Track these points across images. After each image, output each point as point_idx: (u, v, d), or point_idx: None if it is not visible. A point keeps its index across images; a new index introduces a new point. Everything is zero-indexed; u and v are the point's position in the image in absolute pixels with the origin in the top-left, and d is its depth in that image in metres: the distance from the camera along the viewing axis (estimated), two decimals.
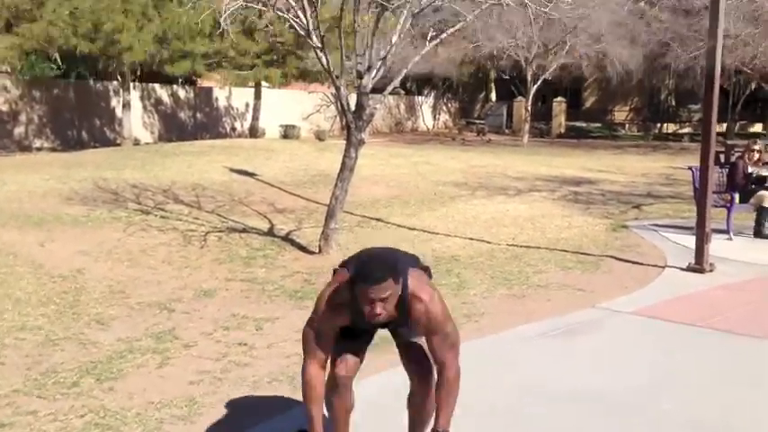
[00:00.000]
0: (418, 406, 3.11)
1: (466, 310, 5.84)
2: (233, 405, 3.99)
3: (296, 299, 6.10)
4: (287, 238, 8.45)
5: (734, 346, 5.05)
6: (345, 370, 3.02)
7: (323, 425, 2.96)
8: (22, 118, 22.51)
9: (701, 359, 4.77)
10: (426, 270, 3.14)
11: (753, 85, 31.93)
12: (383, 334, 3.22)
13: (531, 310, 5.89)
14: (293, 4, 7.53)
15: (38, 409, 3.86)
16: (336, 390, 3.04)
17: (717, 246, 7.80)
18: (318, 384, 2.95)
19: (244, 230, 8.73)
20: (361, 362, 3.15)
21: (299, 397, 4.01)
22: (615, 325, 5.50)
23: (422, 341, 3.06)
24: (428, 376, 3.04)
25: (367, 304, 2.74)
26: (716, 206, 8.63)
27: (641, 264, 7.51)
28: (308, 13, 7.36)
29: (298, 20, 7.49)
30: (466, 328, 5.38)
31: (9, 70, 21.56)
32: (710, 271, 7.09)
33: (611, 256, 7.84)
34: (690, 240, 7.73)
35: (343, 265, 3.07)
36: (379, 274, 2.71)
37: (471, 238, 8.78)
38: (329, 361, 3.04)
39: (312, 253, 7.78)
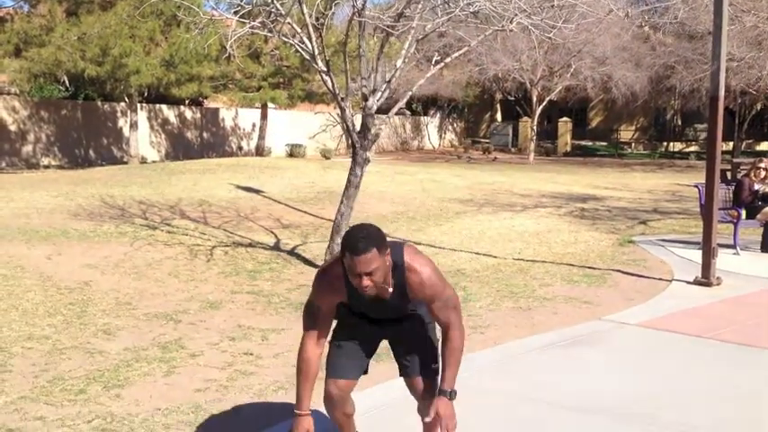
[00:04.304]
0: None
1: (472, 322, 5.83)
2: (239, 412, 3.99)
3: (301, 311, 6.10)
4: (293, 253, 8.47)
5: (740, 357, 5.02)
6: (336, 389, 3.02)
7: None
8: (31, 137, 22.70)
9: (706, 370, 4.75)
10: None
11: (758, 106, 31.99)
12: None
13: (537, 323, 5.88)
14: (298, 30, 7.62)
15: (45, 414, 3.87)
16: (331, 404, 3.05)
17: (724, 260, 7.79)
18: (313, 361, 2.94)
19: (250, 245, 8.76)
20: (360, 375, 3.12)
21: None
22: (621, 337, 5.48)
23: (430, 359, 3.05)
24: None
25: (355, 276, 2.71)
26: (722, 222, 8.63)
27: (648, 277, 7.50)
28: (313, 38, 7.45)
29: (303, 45, 7.57)
30: (472, 339, 5.37)
31: (18, 92, 21.78)
32: (717, 284, 7.08)
33: (618, 270, 7.83)
34: (697, 255, 7.72)
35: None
36: (362, 244, 2.65)
37: (477, 253, 8.78)
38: (327, 370, 3.05)
39: (318, 267, 7.78)
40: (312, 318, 2.95)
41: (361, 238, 2.66)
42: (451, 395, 2.87)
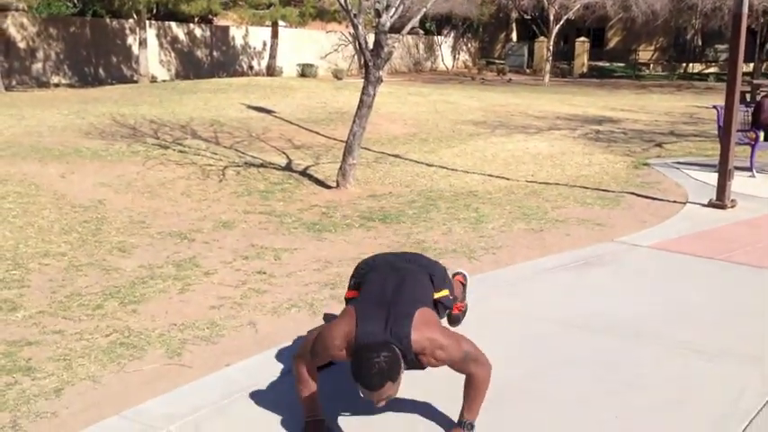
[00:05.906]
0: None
1: (483, 243, 5.84)
2: (253, 328, 4.06)
3: (314, 231, 6.13)
4: (305, 173, 8.45)
5: (752, 278, 5.03)
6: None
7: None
8: (40, 55, 22.45)
9: (717, 291, 4.76)
10: (449, 286, 3.20)
11: None
12: None
13: (550, 244, 5.88)
14: None
15: (64, 328, 3.95)
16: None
17: (739, 182, 7.71)
18: (314, 380, 2.91)
19: (262, 165, 8.74)
20: None
21: (317, 322, 4.07)
22: (633, 258, 5.49)
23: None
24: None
25: (368, 398, 2.68)
26: (740, 144, 8.50)
27: (662, 200, 7.46)
28: None
29: None
30: (483, 260, 5.40)
31: (26, 8, 21.40)
32: (732, 207, 7.03)
33: (632, 193, 7.78)
34: (712, 178, 7.64)
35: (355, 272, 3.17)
36: (376, 381, 2.58)
37: (490, 175, 8.73)
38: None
39: (330, 187, 7.78)
40: (309, 361, 2.87)
41: (374, 375, 2.56)
42: (469, 427, 2.87)
